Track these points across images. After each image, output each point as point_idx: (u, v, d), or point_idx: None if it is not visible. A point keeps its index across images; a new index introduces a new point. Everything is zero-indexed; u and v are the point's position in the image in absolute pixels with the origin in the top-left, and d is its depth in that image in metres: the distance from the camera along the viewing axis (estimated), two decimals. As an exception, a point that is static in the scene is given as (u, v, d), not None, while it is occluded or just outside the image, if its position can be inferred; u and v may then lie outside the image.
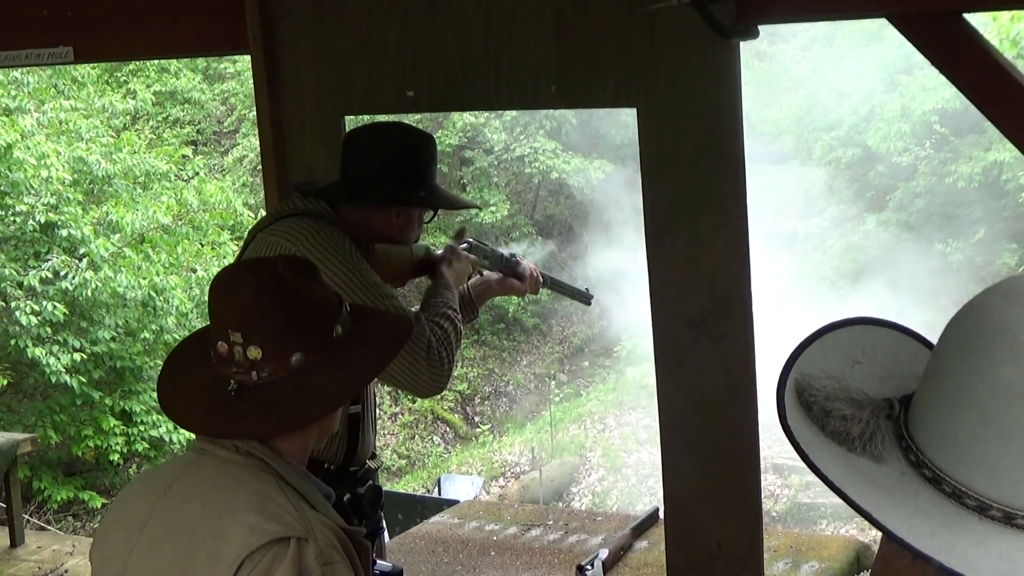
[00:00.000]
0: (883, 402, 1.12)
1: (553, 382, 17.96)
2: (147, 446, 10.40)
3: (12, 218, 9.97)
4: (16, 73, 10.47)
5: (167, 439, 10.27)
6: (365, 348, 1.86)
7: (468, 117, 18.86)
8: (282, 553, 1.68)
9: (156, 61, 16.63)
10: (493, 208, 19.11)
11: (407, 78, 3.00)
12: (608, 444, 14.80)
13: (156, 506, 1.79)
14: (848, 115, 17.47)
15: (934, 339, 1.13)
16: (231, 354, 1.79)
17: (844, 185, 17.19)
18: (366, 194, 2.73)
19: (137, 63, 16.24)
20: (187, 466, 1.83)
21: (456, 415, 17.84)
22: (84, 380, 10.06)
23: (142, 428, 10.27)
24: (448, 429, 17.54)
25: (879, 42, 16.72)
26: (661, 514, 3.10)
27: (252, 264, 1.94)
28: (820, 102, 17.83)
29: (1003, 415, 1.01)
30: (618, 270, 21.38)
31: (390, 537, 3.88)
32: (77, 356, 10.07)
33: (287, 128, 3.17)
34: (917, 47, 2.54)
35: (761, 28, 2.65)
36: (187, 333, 10.52)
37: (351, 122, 3.15)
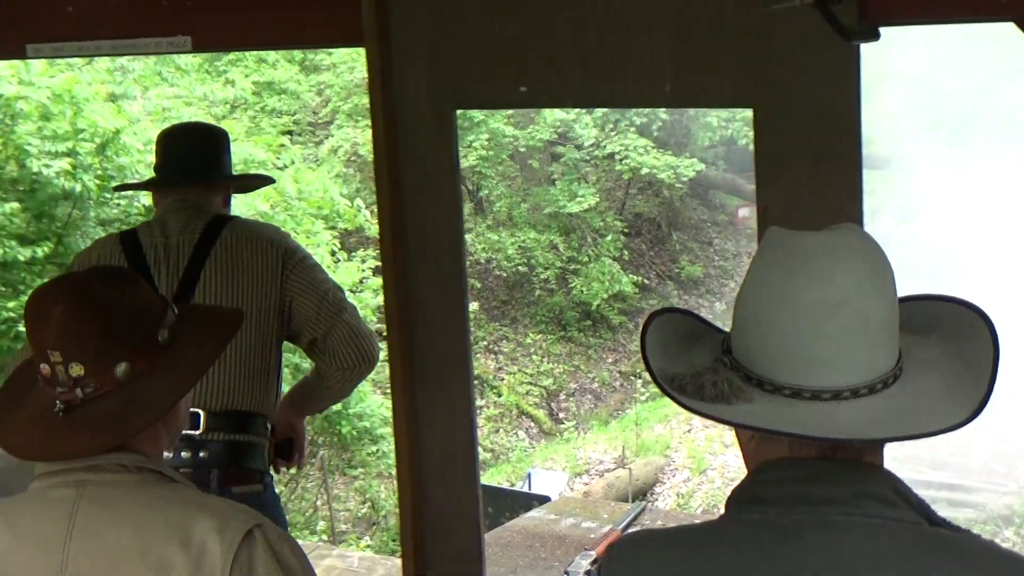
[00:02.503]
0: (717, 363, 1.47)
1: (639, 381, 17.87)
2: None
3: (117, 201, 10.19)
4: (123, 60, 10.70)
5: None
6: (192, 347, 1.85)
7: (559, 113, 18.83)
8: (254, 544, 1.73)
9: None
10: (580, 199, 19.08)
11: (521, 73, 3.00)
12: (694, 446, 14.71)
13: (67, 550, 1.72)
14: (949, 117, 17.15)
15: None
16: (54, 375, 1.75)
17: (941, 189, 16.88)
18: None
19: (237, 53, 16.48)
20: (78, 502, 1.74)
21: (541, 410, 17.86)
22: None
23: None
24: (532, 424, 17.57)
25: (982, 44, 16.38)
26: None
27: (63, 280, 1.86)
28: (921, 103, 17.51)
29: (823, 324, 1.37)
30: (706, 271, 21.25)
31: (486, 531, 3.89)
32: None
33: (399, 121, 3.18)
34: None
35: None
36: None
37: (461, 116, 3.16)
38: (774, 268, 1.43)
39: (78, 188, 9.31)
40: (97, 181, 9.37)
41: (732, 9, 2.68)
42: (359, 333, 3.15)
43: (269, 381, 3.13)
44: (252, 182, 4.11)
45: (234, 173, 3.55)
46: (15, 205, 9.55)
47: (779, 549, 1.37)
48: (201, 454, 3.00)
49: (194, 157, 3.36)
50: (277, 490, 3.19)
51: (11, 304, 9.49)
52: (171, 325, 1.84)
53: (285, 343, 3.25)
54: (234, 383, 3.03)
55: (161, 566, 1.69)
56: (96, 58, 10.31)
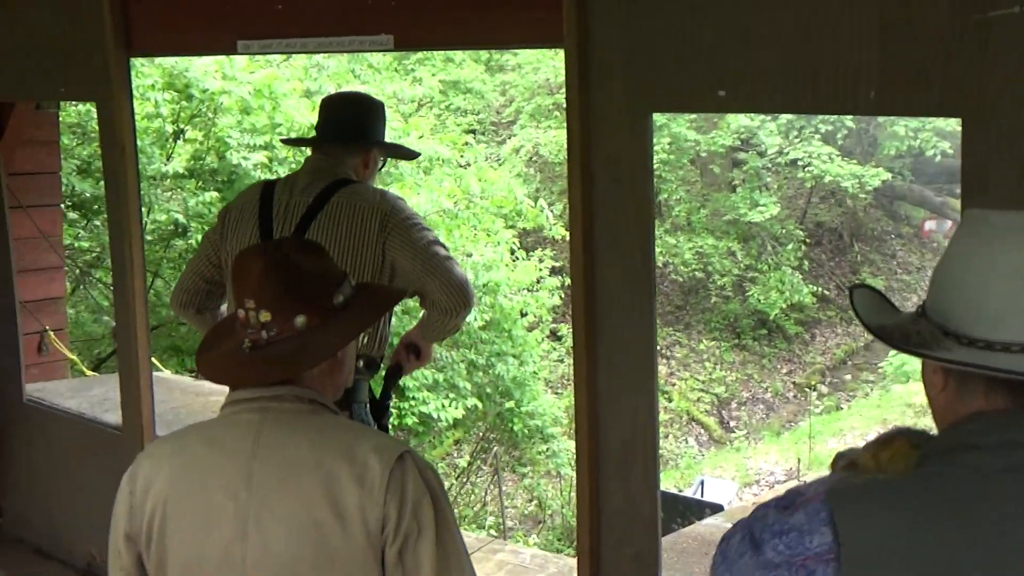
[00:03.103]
0: (917, 319, 1.66)
1: (814, 393, 17.53)
2: (416, 421, 10.73)
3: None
4: (319, 57, 11.02)
5: (435, 416, 10.58)
6: (358, 312, 2.25)
7: (743, 118, 18.60)
8: (406, 466, 2.11)
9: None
10: (762, 208, 18.79)
11: (719, 77, 2.97)
12: (869, 462, 14.30)
13: (253, 462, 2.12)
14: None
15: None
16: (247, 319, 2.17)
17: None
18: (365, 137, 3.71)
19: (425, 52, 16.80)
20: (261, 425, 2.15)
21: (712, 418, 17.68)
22: (364, 352, 10.37)
23: (413, 403, 10.58)
24: (703, 431, 17.40)
25: None
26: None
27: (262, 245, 2.33)
28: None
29: (1015, 286, 1.54)
30: (888, 284, 20.66)
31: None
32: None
33: (594, 121, 3.20)
34: None
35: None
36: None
37: (657, 118, 3.16)
38: (973, 237, 1.61)
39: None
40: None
41: (945, 15, 2.60)
42: (453, 284, 3.50)
43: (373, 328, 3.52)
44: (399, 152, 4.39)
45: (386, 142, 3.91)
46: (214, 194, 9.97)
47: (1006, 488, 1.53)
48: None
49: (341, 121, 3.76)
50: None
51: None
52: (348, 293, 2.24)
53: None
54: None
55: (331, 476, 2.08)
56: (294, 55, 10.66)
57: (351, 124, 3.76)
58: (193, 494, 2.15)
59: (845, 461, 1.76)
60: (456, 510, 13.27)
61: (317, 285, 2.21)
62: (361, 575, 2.09)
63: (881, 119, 18.61)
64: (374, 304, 2.35)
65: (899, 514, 1.54)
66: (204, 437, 2.22)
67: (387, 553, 2.09)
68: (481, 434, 13.53)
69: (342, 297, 2.23)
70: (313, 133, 3.90)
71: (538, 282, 12.87)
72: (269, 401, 2.17)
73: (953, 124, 17.24)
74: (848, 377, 18.83)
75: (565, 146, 3.29)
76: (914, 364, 15.93)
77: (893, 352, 18.42)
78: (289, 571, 2.09)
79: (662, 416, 16.82)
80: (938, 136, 18.22)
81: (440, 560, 2.11)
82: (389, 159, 4.11)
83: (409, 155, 4.46)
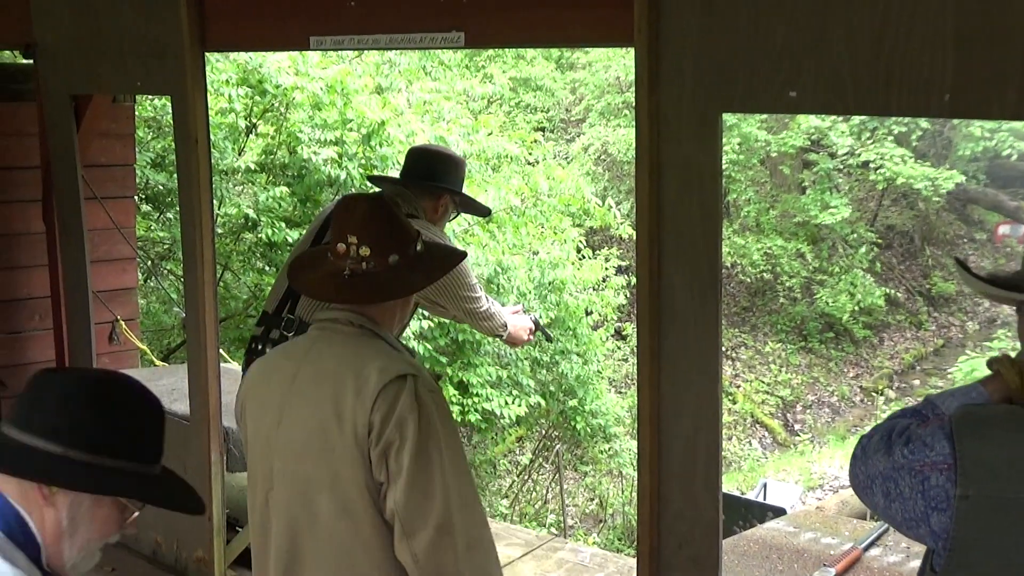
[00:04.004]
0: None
1: (881, 398, 17.30)
2: (479, 418, 10.73)
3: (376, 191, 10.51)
4: (391, 54, 11.07)
5: (498, 412, 10.57)
6: (435, 262, 2.76)
7: (814, 119, 18.37)
8: (403, 385, 2.53)
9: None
10: (833, 211, 18.56)
11: (791, 78, 2.95)
12: (937, 469, 14.08)
13: (300, 366, 2.65)
14: None
15: None
16: (347, 252, 2.63)
17: None
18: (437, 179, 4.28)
19: (496, 49, 16.81)
20: (315, 339, 2.69)
21: (776, 420, 17.52)
22: (431, 347, 10.35)
23: (476, 400, 10.55)
24: (767, 434, 17.26)
25: None
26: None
27: (366, 193, 2.78)
28: None
29: None
30: (959, 289, 20.32)
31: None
32: (425, 323, 10.30)
33: (664, 121, 3.19)
34: None
35: None
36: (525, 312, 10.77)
37: (727, 118, 3.13)
38: None
39: (343, 176, 9.72)
40: (360, 170, 9.74)
41: (1021, 17, 2.56)
42: None
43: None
44: (471, 205, 4.66)
45: (459, 192, 4.38)
46: (284, 189, 10.05)
47: None
48: None
49: (420, 166, 4.32)
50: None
51: (276, 282, 9.96)
52: (422, 244, 2.72)
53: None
54: None
55: (341, 383, 2.56)
56: (366, 51, 10.72)
57: (427, 168, 4.28)
58: (260, 387, 2.73)
59: (995, 367, 2.09)
60: (516, 507, 13.32)
61: (406, 234, 2.70)
62: (349, 468, 2.53)
63: (956, 120, 18.30)
64: (444, 258, 2.83)
65: (1012, 439, 1.79)
66: (284, 346, 2.84)
67: (371, 454, 2.52)
68: (544, 432, 13.53)
69: (420, 247, 2.72)
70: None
71: (604, 281, 12.83)
72: (327, 322, 2.69)
73: (1030, 127, 16.94)
74: (916, 382, 18.56)
75: (634, 145, 3.29)
76: (984, 371, 15.61)
77: (963, 358, 18.24)
78: (301, 457, 2.59)
79: (726, 418, 16.70)
80: (1015, 136, 17.89)
81: (420, 468, 2.49)
82: (462, 212, 4.62)
83: (481, 211, 4.80)
